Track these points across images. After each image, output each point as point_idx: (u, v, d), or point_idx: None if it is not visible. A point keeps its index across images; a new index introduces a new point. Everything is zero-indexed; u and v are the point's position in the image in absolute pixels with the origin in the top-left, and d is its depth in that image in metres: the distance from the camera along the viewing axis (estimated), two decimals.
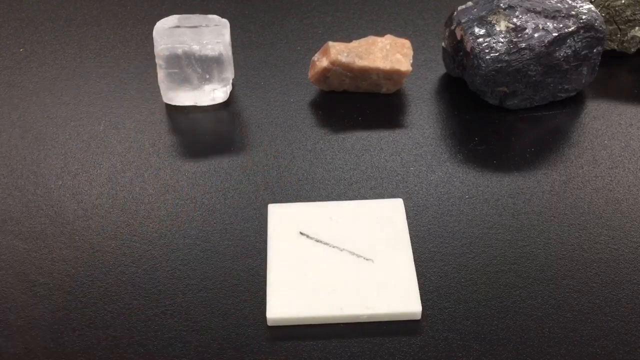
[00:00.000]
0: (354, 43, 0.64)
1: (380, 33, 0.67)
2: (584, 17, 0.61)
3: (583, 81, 0.64)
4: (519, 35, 0.60)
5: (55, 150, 0.61)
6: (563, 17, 0.61)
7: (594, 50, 0.62)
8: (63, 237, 0.54)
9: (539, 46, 0.60)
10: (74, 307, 0.49)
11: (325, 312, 0.48)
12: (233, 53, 0.65)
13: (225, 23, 0.62)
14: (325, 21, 0.75)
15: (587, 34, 0.61)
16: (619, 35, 0.68)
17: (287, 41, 0.73)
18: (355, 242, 0.52)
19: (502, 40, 0.60)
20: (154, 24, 0.62)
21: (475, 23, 0.62)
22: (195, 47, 0.60)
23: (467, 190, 0.57)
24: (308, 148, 0.61)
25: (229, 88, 0.64)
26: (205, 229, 0.54)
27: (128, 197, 0.57)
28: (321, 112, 0.64)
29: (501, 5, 0.62)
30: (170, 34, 0.61)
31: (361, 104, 0.65)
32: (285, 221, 0.53)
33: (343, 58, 0.62)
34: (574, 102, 0.65)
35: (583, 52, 0.62)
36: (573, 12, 0.62)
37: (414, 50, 0.67)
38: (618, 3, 0.67)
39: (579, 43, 0.61)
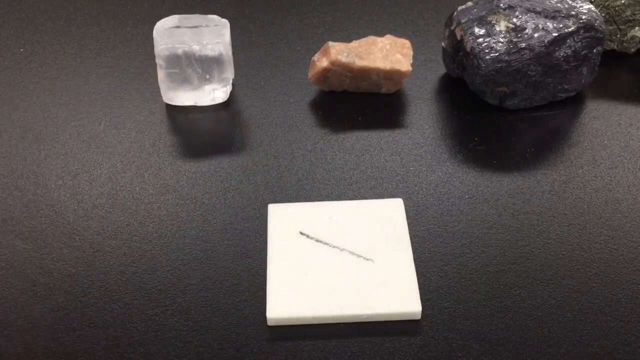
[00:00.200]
0: (354, 43, 0.64)
1: (380, 33, 0.67)
2: (583, 17, 0.61)
3: (583, 81, 0.64)
4: (519, 36, 0.60)
5: (55, 150, 0.61)
6: (563, 17, 0.61)
7: (594, 50, 0.62)
8: (63, 237, 0.54)
9: (538, 46, 0.60)
10: (74, 307, 0.49)
11: (325, 312, 0.48)
12: (233, 53, 0.65)
13: (225, 23, 0.62)
14: (325, 21, 0.75)
15: (587, 34, 0.61)
16: (618, 35, 0.68)
17: (287, 41, 0.73)
18: (355, 242, 0.52)
19: (502, 40, 0.60)
20: (154, 24, 0.62)
21: (475, 23, 0.62)
22: (196, 47, 0.60)
23: (467, 190, 0.57)
24: (308, 148, 0.61)
25: (229, 88, 0.64)
26: (205, 229, 0.54)
27: (128, 197, 0.57)
28: (321, 112, 0.64)
29: (501, 5, 0.62)
30: (171, 34, 0.61)
31: (361, 104, 0.65)
32: (285, 221, 0.53)
33: (343, 58, 0.62)
34: (574, 102, 0.65)
35: (583, 52, 0.62)
36: (573, 12, 0.62)
37: (414, 50, 0.67)
38: (618, 3, 0.67)
39: (579, 43, 0.61)
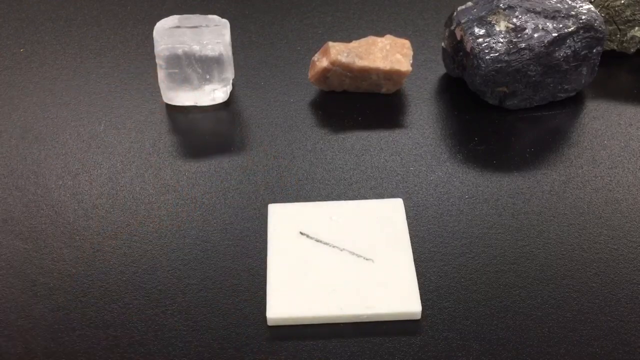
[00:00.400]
0: (354, 43, 0.64)
1: (380, 33, 0.67)
2: (583, 17, 0.61)
3: (583, 81, 0.64)
4: (519, 36, 0.60)
5: (55, 150, 0.61)
6: (563, 17, 0.61)
7: (594, 51, 0.63)
8: (63, 237, 0.54)
9: (538, 46, 0.60)
10: (74, 307, 0.49)
11: (325, 312, 0.48)
12: (233, 53, 0.65)
13: (225, 23, 0.62)
14: (325, 21, 0.75)
15: (587, 34, 0.61)
16: (618, 36, 0.68)
17: (287, 41, 0.73)
18: (355, 242, 0.52)
19: (501, 40, 0.60)
20: (154, 24, 0.62)
21: (475, 23, 0.62)
22: (196, 47, 0.60)
23: (467, 190, 0.57)
24: (308, 148, 0.61)
25: (229, 88, 0.64)
26: (205, 229, 0.54)
27: (128, 197, 0.57)
28: (321, 112, 0.64)
29: (501, 5, 0.62)
30: (171, 34, 0.61)
31: (361, 104, 0.65)
32: (285, 221, 0.53)
33: (343, 58, 0.63)
34: (574, 102, 0.65)
35: (583, 52, 0.62)
36: (573, 13, 0.62)
37: (414, 50, 0.67)
38: (618, 3, 0.67)
39: (579, 43, 0.61)
